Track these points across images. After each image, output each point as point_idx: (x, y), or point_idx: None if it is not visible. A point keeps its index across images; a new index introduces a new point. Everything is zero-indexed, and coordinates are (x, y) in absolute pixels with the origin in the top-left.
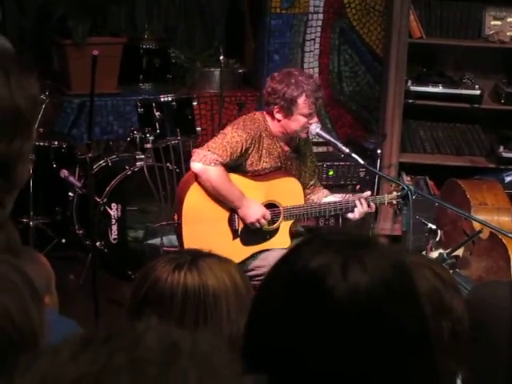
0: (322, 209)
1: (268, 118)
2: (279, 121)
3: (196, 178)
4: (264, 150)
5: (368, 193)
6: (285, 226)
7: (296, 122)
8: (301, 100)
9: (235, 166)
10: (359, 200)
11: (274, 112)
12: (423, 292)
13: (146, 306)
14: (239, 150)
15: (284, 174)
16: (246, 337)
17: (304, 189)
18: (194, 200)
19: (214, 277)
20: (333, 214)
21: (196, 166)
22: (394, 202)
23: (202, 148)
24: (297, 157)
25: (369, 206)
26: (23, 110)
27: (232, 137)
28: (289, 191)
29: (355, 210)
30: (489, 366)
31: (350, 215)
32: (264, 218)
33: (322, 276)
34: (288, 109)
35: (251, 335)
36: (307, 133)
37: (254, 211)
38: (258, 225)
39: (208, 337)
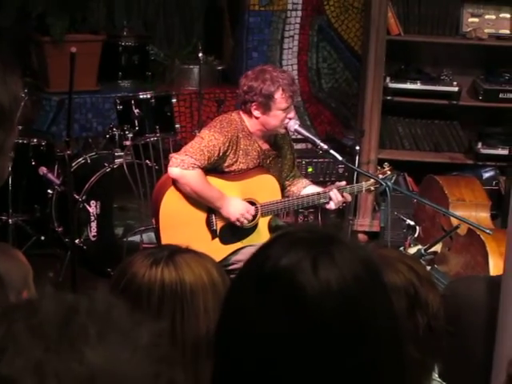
0: (299, 202)
1: (245, 118)
2: (257, 118)
3: (173, 182)
4: (241, 151)
5: (343, 182)
6: (263, 223)
7: (275, 118)
8: (278, 95)
9: (212, 167)
10: (333, 191)
11: (252, 109)
12: (399, 286)
13: (124, 297)
14: (216, 154)
15: (259, 172)
16: (217, 336)
17: (284, 181)
18: (170, 205)
19: (191, 272)
20: (310, 205)
21: (174, 171)
22: (372, 188)
23: (179, 153)
24: (276, 154)
25: (343, 196)
26: (6, 106)
27: (209, 140)
28: (265, 188)
29: (330, 201)
30: (464, 359)
31: (326, 206)
32: (248, 212)
33: (292, 274)
34: (266, 105)
35: (222, 334)
36: (286, 128)
37: (237, 208)
38: (244, 220)
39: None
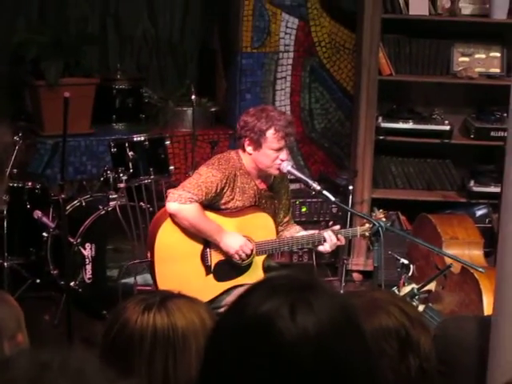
0: (294, 243)
1: (242, 156)
2: (250, 154)
3: (171, 216)
4: (238, 189)
5: (337, 226)
6: (257, 262)
7: (265, 157)
8: (269, 133)
9: (208, 204)
10: (328, 233)
11: (246, 145)
12: (390, 328)
13: (116, 347)
14: (214, 190)
15: (256, 210)
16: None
17: (278, 225)
18: (166, 238)
19: (183, 317)
20: (304, 247)
21: (172, 206)
22: (367, 233)
23: (177, 188)
24: (272, 195)
25: (338, 238)
26: None
27: (207, 177)
28: (261, 227)
29: (325, 243)
30: None
31: (320, 248)
32: (246, 246)
33: (271, 320)
34: (257, 141)
35: (203, 381)
36: (279, 169)
37: (236, 241)
38: (243, 254)
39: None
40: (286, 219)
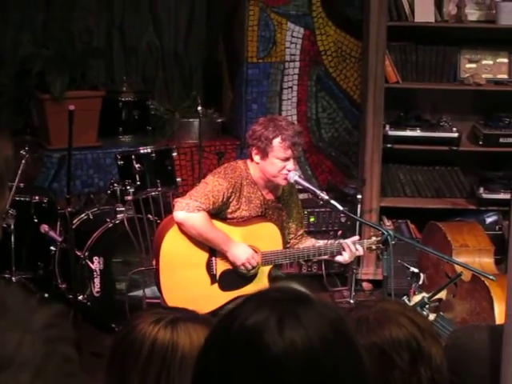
0: (300, 254)
1: (250, 165)
2: (257, 163)
3: (178, 225)
4: (244, 199)
5: (357, 237)
6: (263, 272)
7: (272, 166)
8: (276, 142)
9: (215, 213)
10: (347, 242)
11: (253, 154)
12: (401, 340)
13: (117, 354)
14: (221, 199)
15: (262, 220)
16: None
17: (291, 238)
18: (171, 246)
19: (187, 339)
20: (311, 259)
21: (179, 215)
22: (374, 247)
23: (184, 197)
24: (280, 207)
25: (356, 249)
26: None
27: (214, 186)
28: (267, 237)
29: (344, 252)
30: None
31: (339, 258)
32: (253, 258)
33: (258, 333)
34: (264, 150)
35: None
36: (286, 179)
37: (242, 253)
38: (249, 266)
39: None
40: (299, 232)
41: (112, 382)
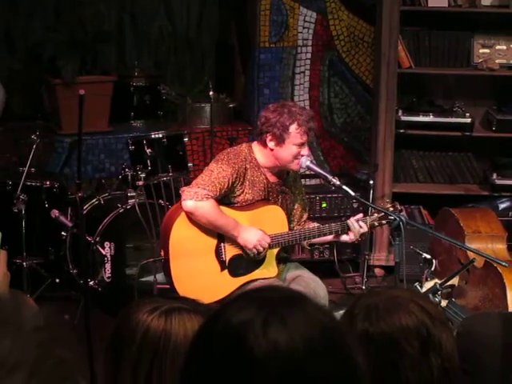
0: (307, 234)
1: (257, 149)
2: (272, 150)
3: (186, 213)
4: (247, 182)
5: (360, 215)
6: (271, 255)
7: (288, 151)
8: (292, 128)
9: (221, 199)
10: (351, 221)
11: (267, 140)
12: (411, 328)
13: (112, 340)
14: (226, 185)
15: (267, 203)
16: None
17: (294, 225)
18: (180, 234)
19: (181, 330)
20: (316, 243)
21: (189, 204)
22: (376, 223)
23: (191, 186)
24: (285, 190)
25: (360, 226)
26: None
27: (218, 172)
28: (273, 219)
29: (350, 232)
30: None
31: (345, 237)
32: (264, 240)
33: (242, 332)
34: (280, 137)
35: None
36: (298, 165)
37: (254, 235)
38: (260, 248)
39: None
40: (303, 218)
41: (107, 370)
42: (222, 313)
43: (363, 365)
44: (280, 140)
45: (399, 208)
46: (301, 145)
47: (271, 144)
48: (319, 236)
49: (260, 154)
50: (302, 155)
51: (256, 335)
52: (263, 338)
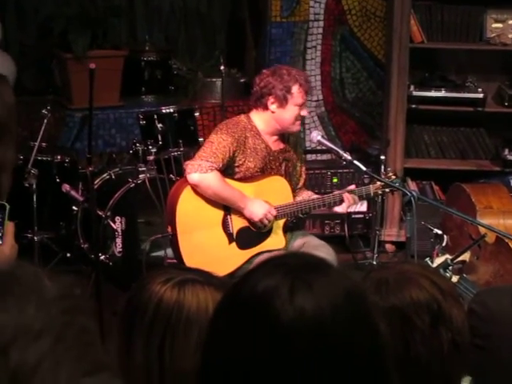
0: (311, 204)
1: (256, 117)
2: (273, 112)
3: (191, 187)
4: (249, 150)
5: (352, 186)
6: (278, 226)
7: (289, 112)
8: (295, 89)
9: (223, 169)
10: (345, 194)
11: (269, 103)
12: (421, 302)
13: (126, 314)
14: (228, 155)
15: (270, 174)
16: (202, 364)
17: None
18: (186, 209)
19: (194, 302)
20: (321, 207)
21: (193, 176)
22: (380, 191)
23: (194, 159)
24: (287, 157)
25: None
26: (2, 119)
27: (219, 143)
28: (277, 190)
29: (342, 203)
30: (494, 373)
31: (337, 209)
32: (270, 212)
33: (268, 299)
34: (283, 98)
35: (203, 359)
36: (299, 126)
37: (261, 207)
38: (266, 221)
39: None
40: (299, 186)
41: (120, 342)
42: (246, 280)
43: (385, 331)
44: (283, 101)
45: (399, 176)
46: (302, 105)
47: (273, 107)
48: (323, 207)
49: (260, 120)
50: (303, 116)
51: (283, 302)
52: (290, 305)
